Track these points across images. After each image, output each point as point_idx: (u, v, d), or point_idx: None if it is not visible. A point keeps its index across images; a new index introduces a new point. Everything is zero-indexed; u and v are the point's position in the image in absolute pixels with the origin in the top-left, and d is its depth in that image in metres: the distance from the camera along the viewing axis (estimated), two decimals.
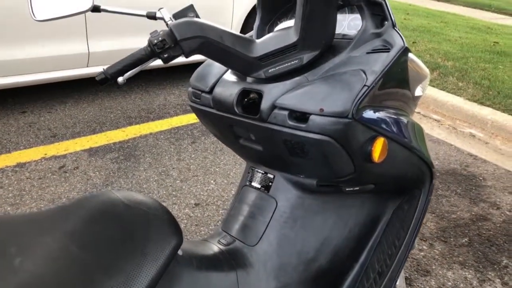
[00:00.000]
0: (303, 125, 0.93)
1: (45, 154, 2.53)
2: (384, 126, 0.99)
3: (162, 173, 2.39)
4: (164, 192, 2.23)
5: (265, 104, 0.99)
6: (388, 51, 0.99)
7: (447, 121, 3.23)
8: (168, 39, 0.94)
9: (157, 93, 3.46)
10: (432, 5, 7.89)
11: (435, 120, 3.26)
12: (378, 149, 0.95)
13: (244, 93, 1.07)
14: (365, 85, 0.91)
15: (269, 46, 1.03)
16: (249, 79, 1.09)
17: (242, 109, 1.05)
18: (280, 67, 1.04)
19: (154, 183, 2.31)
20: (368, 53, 1.01)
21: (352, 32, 1.09)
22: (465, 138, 3.02)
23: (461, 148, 2.85)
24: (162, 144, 2.69)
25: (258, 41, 1.06)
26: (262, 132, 1.04)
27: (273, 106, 0.98)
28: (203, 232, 1.96)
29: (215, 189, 2.27)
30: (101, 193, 0.87)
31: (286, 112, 0.95)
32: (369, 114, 0.94)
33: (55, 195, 2.17)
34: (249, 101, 1.06)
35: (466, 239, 1.98)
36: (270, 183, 1.15)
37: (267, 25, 1.28)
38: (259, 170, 1.20)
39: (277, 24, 1.29)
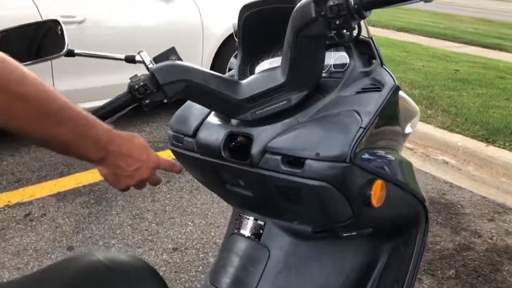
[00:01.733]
0: (298, 171, 0.87)
1: (9, 202, 2.37)
2: (380, 167, 0.95)
3: (136, 217, 2.28)
4: (139, 237, 2.11)
5: (255, 149, 0.94)
6: (380, 91, 0.96)
7: (420, 149, 3.27)
8: (150, 83, 0.88)
9: (126, 130, 3.34)
10: (393, 35, 8.18)
11: (409, 148, 3.29)
12: (377, 192, 0.91)
13: (231, 137, 1.01)
14: (360, 127, 0.88)
15: (256, 88, 0.99)
16: (234, 122, 1.04)
17: (229, 153, 0.99)
18: (267, 108, 0.99)
19: (128, 227, 2.19)
20: (358, 92, 0.98)
21: (339, 70, 1.07)
22: (439, 166, 3.05)
23: (436, 176, 2.88)
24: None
25: (243, 82, 1.02)
26: (253, 178, 0.98)
27: (264, 151, 0.93)
28: (183, 279, 1.85)
29: (193, 231, 2.17)
30: (81, 256, 0.78)
31: (279, 157, 0.90)
32: (365, 156, 0.90)
33: (20, 246, 2.02)
34: (236, 144, 1.01)
35: (453, 271, 1.95)
36: (261, 231, 1.09)
37: (248, 65, 1.25)
38: (248, 217, 1.13)
39: (258, 63, 1.25)
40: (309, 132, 0.90)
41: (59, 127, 0.61)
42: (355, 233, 1.02)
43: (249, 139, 0.97)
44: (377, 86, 0.97)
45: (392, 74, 1.01)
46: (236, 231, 1.14)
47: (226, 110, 0.99)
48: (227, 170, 1.03)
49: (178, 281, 1.84)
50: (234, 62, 3.63)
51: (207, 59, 3.53)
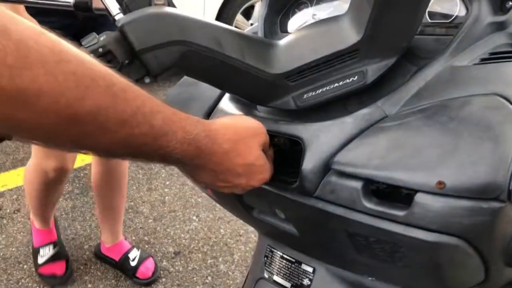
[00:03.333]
0: (399, 213, 0.46)
1: None
2: None
3: (130, 210, 1.89)
4: (134, 238, 1.73)
5: (309, 163, 0.54)
6: None
7: None
8: (118, 49, 0.51)
9: None
10: None
11: None
12: None
13: None
14: None
15: (304, 54, 0.59)
16: (266, 111, 0.64)
17: None
18: (324, 89, 0.59)
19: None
20: (486, 60, 0.56)
21: (443, 21, 0.64)
22: None
23: None
24: (128, 170, 2.18)
25: (282, 44, 0.60)
26: (303, 213, 0.58)
27: (326, 168, 0.53)
28: None
29: (199, 228, 1.79)
30: None
31: (357, 184, 0.50)
32: None
33: None
34: (274, 149, 0.61)
35: None
36: (309, 282, 0.70)
37: (280, 16, 0.83)
38: (287, 256, 0.73)
39: (294, 13, 0.83)
40: (416, 138, 0.48)
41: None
42: None
43: (295, 145, 0.56)
44: None
45: None
46: (266, 274, 0.76)
47: (252, 92, 0.61)
48: (256, 193, 0.62)
49: None
50: (244, 20, 3.11)
51: (211, 10, 2.97)
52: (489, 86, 0.50)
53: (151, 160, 0.44)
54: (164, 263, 1.61)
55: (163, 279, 1.54)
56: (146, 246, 1.69)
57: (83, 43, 0.50)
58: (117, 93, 0.37)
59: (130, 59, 0.50)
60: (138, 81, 0.53)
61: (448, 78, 0.54)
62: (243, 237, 1.73)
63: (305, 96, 0.58)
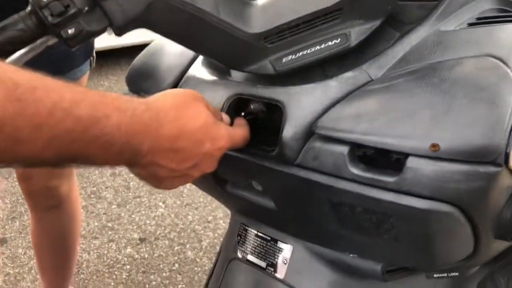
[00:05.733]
0: (389, 179, 0.43)
1: None
2: None
3: (92, 196, 1.81)
4: (96, 224, 1.65)
5: (289, 129, 0.50)
6: None
7: None
8: None
9: None
10: None
11: None
12: None
13: (238, 104, 0.57)
14: None
15: (284, 12, 0.55)
16: (242, 76, 0.60)
17: None
18: (305, 52, 0.55)
19: (82, 210, 1.72)
20: (473, 24, 0.54)
21: None
22: None
23: None
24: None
25: (260, 2, 0.56)
26: (283, 183, 0.54)
27: (308, 133, 0.49)
28: (154, 283, 1.42)
29: (165, 214, 1.73)
30: None
31: (343, 149, 0.46)
32: None
33: None
34: (247, 117, 0.57)
35: None
36: (285, 260, 0.66)
37: None
38: (262, 234, 0.70)
39: None
40: (406, 100, 0.45)
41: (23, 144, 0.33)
42: (456, 274, 0.60)
43: (274, 110, 0.52)
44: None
45: None
46: (240, 254, 0.72)
47: (226, 53, 0.56)
48: (229, 163, 0.58)
49: (147, 285, 1.41)
50: None
51: None
52: (480, 48, 0.48)
53: (93, 160, 0.38)
54: (129, 249, 1.55)
55: (128, 266, 1.48)
56: (110, 232, 1.62)
57: None
58: (24, 96, 0.31)
59: (90, 6, 0.44)
60: (100, 32, 0.47)
61: (435, 42, 0.52)
62: (211, 223, 1.68)
63: (284, 59, 0.55)
